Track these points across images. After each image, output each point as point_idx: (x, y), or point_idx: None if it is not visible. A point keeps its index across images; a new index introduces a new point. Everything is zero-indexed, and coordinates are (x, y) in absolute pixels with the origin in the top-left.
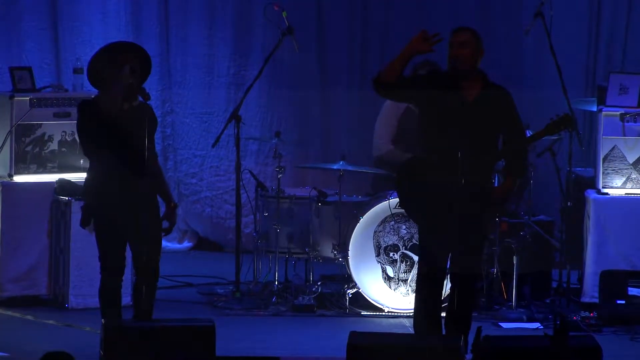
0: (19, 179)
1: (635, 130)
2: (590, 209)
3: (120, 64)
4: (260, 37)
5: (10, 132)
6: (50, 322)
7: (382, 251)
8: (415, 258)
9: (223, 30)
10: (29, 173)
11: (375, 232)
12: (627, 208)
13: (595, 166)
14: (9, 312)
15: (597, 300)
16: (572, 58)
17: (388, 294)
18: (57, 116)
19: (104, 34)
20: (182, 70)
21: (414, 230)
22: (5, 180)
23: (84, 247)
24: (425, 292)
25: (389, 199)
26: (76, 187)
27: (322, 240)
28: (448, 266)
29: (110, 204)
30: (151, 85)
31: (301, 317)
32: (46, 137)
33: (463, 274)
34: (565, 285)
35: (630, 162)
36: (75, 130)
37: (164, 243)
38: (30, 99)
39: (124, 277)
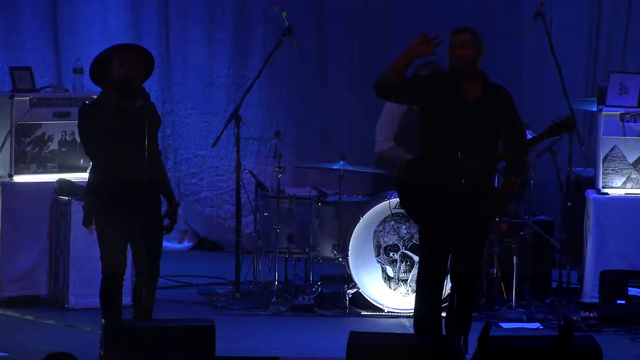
0: (19, 179)
1: (635, 130)
2: (590, 209)
3: (124, 64)
4: (260, 37)
5: (10, 132)
6: (50, 322)
7: (382, 251)
8: (416, 258)
9: (223, 30)
10: (29, 173)
11: (375, 232)
12: (627, 208)
13: (595, 166)
14: (9, 312)
15: (597, 300)
16: (572, 58)
17: (388, 294)
18: (57, 116)
19: (104, 34)
20: (182, 70)
21: (414, 230)
22: (5, 180)
23: (84, 247)
24: (426, 292)
25: (389, 199)
26: (76, 187)
27: (322, 240)
28: (448, 266)
29: (112, 204)
30: (151, 85)
31: (301, 317)
32: (46, 137)
33: (463, 274)
34: (565, 285)
35: (630, 162)
36: (75, 130)
37: (164, 243)
38: (30, 99)
39: (124, 277)
